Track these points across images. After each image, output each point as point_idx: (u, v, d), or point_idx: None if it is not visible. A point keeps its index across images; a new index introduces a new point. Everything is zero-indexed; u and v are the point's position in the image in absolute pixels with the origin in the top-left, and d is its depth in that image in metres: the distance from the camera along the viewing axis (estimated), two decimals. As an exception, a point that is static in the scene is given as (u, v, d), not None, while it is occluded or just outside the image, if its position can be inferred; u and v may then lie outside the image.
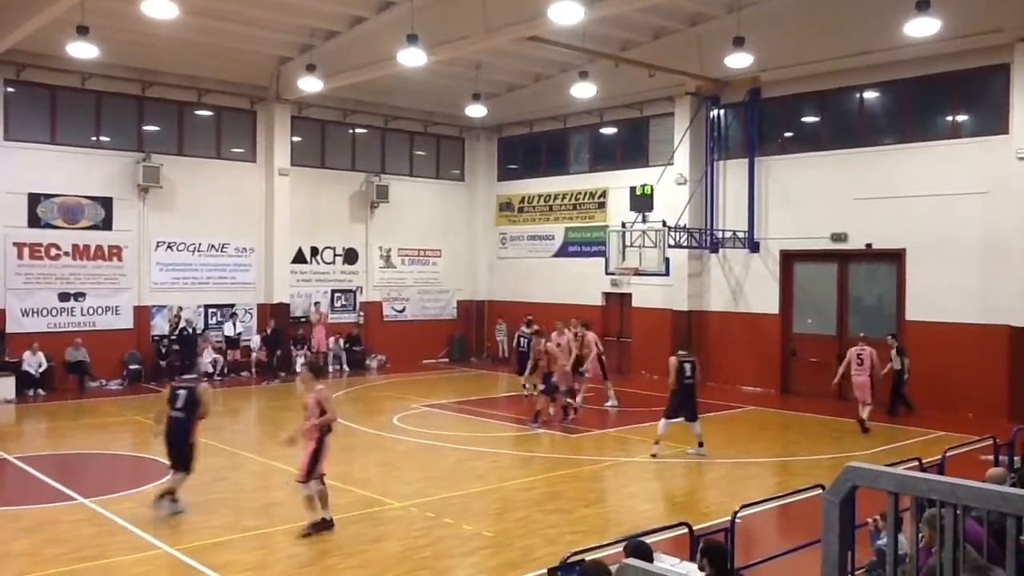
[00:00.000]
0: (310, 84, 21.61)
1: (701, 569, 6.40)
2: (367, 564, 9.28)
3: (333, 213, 26.86)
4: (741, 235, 22.37)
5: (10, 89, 21.38)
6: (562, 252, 27.46)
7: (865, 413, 16.75)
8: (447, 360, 28.40)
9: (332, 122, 26.79)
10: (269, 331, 24.60)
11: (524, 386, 19.93)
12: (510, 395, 21.77)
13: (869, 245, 20.33)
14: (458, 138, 29.77)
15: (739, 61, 19.17)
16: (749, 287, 22.68)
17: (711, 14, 21.37)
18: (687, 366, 14.70)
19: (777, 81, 21.67)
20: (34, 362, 20.95)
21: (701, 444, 14.74)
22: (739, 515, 8.02)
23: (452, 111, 26.94)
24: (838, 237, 20.76)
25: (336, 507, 11.29)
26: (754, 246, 22.37)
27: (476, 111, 24.99)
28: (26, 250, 21.52)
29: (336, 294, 27.09)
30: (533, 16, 17.16)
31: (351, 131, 27.47)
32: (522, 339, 19.99)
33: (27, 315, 21.50)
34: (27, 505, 11.55)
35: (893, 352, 18.44)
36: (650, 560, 5.78)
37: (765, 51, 20.10)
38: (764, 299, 22.26)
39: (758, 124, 22.52)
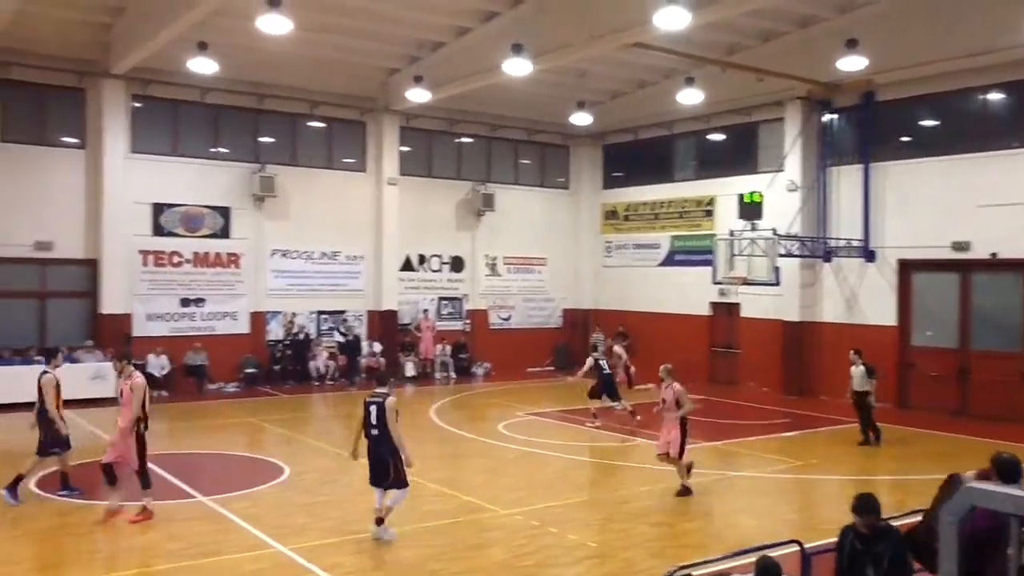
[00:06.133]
0: (417, 95, 22.02)
1: None
2: (471, 571, 9.34)
3: (440, 221, 27.26)
4: (856, 243, 21.64)
5: (137, 104, 22.50)
6: (668, 261, 27.11)
7: None
8: (552, 369, 28.38)
9: (439, 132, 27.20)
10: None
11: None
12: (613, 405, 21.62)
13: (994, 255, 19.35)
14: (562, 146, 29.80)
15: (852, 64, 18.58)
16: (864, 297, 21.89)
17: (822, 16, 20.76)
18: (372, 409, 10.20)
19: (893, 83, 20.87)
20: (157, 364, 21.95)
21: (380, 521, 10.19)
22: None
23: (556, 119, 26.98)
24: (960, 246, 19.84)
25: (442, 512, 11.44)
26: (869, 255, 21.60)
27: (581, 119, 24.95)
28: (151, 257, 22.61)
29: (443, 301, 27.46)
30: (638, 23, 17.04)
31: (457, 140, 27.84)
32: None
33: (151, 319, 22.56)
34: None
35: (858, 369, 16.55)
36: None
37: (879, 52, 19.36)
38: (880, 310, 21.45)
39: (873, 128, 21.77)
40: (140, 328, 22.33)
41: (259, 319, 24.19)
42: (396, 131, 26.02)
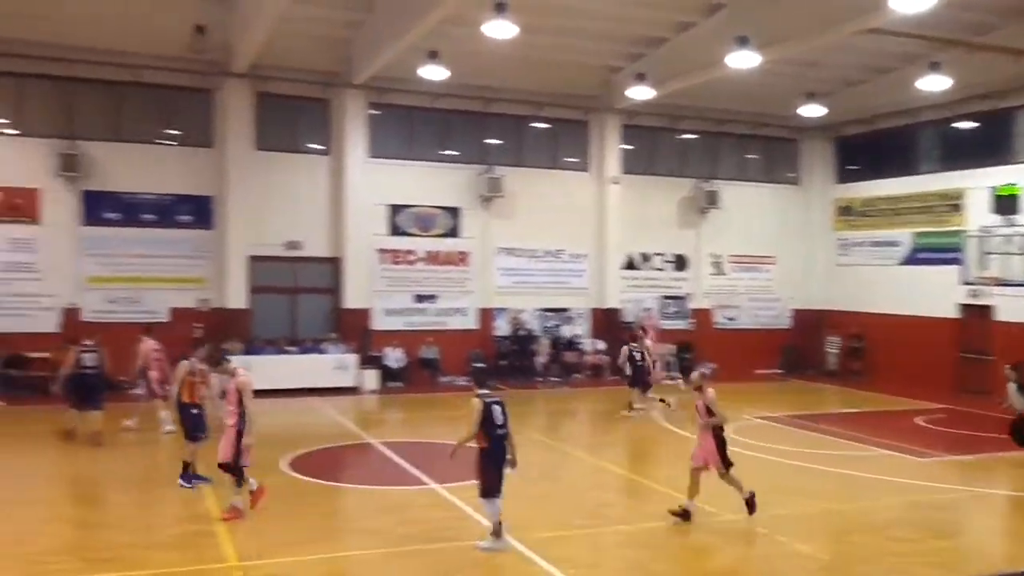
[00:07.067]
0: (640, 92, 21.89)
1: None
2: (692, 573, 9.18)
3: (662, 219, 27.00)
4: None
5: (374, 111, 23.90)
6: (910, 259, 25.35)
7: None
8: (780, 371, 27.34)
9: (661, 128, 26.92)
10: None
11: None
12: (847, 411, 20.57)
13: None
14: (790, 139, 28.61)
15: None
16: None
17: (1094, -15, 18.65)
18: (497, 408, 9.78)
19: None
20: (393, 357, 23.28)
21: (497, 533, 9.73)
22: None
23: (783, 111, 25.88)
24: None
25: (665, 514, 11.31)
26: None
27: (811, 110, 23.83)
28: (388, 256, 23.98)
29: (666, 300, 27.18)
30: (872, 7, 15.99)
31: (679, 137, 27.44)
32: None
33: (388, 315, 23.92)
34: (386, 486, 12.80)
35: (1013, 387, 15.03)
36: None
37: None
38: None
39: None
40: (378, 323, 23.73)
41: (487, 315, 25.01)
42: (618, 129, 26.04)
